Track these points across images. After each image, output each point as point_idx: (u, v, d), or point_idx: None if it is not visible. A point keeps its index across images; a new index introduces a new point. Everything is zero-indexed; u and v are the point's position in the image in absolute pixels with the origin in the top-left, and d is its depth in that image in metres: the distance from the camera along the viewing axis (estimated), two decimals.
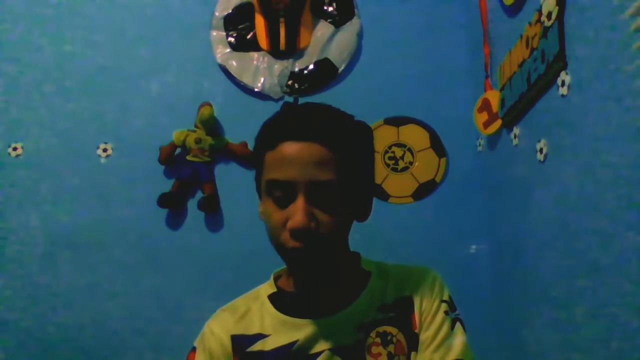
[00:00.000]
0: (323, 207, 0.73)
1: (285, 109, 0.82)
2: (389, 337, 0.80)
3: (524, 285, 1.43)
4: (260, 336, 0.83)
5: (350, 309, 0.82)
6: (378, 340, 0.80)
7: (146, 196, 1.80)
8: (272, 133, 0.76)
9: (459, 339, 0.81)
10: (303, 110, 0.78)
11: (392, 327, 0.81)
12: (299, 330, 0.81)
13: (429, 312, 0.82)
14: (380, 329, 0.81)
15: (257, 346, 0.82)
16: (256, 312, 0.86)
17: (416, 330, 0.81)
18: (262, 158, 0.78)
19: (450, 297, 0.85)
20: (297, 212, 0.71)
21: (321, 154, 0.72)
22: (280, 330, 0.82)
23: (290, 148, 0.72)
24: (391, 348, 0.80)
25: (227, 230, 1.82)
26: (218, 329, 0.86)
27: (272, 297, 0.86)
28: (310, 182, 0.72)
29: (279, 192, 0.74)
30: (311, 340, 0.81)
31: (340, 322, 0.81)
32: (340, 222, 0.76)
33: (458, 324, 0.82)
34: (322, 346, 0.80)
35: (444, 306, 0.83)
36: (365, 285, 0.84)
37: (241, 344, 0.84)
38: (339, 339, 0.80)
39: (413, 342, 0.81)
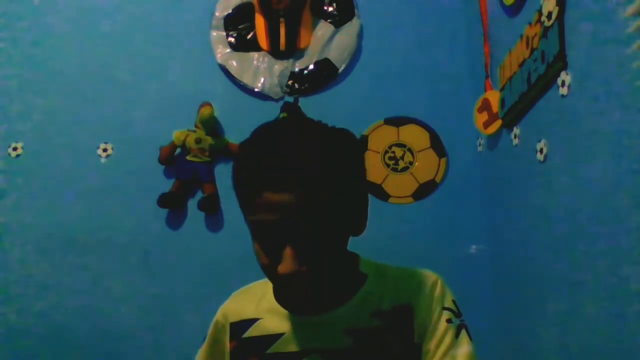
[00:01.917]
0: (312, 245, 0.70)
1: (261, 147, 0.73)
2: (384, 347, 0.78)
3: (524, 286, 1.43)
4: (254, 320, 0.84)
5: (339, 311, 0.80)
6: (372, 349, 0.77)
7: (146, 196, 1.80)
8: (249, 182, 0.72)
9: (463, 349, 0.77)
10: (280, 157, 0.70)
11: (387, 336, 0.78)
12: (286, 322, 0.81)
13: (430, 321, 0.78)
14: (376, 338, 0.78)
15: (250, 331, 0.84)
16: (259, 295, 0.87)
17: (415, 341, 0.78)
18: (243, 200, 0.75)
19: (453, 302, 0.81)
20: (285, 259, 0.69)
21: (303, 199, 0.68)
22: (270, 316, 0.83)
23: (270, 197, 0.69)
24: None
25: (227, 230, 1.82)
26: (221, 317, 0.89)
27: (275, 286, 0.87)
28: (295, 226, 0.69)
29: (265, 234, 0.73)
30: (296, 337, 0.80)
31: (327, 324, 0.79)
32: (332, 250, 0.74)
33: (463, 332, 0.79)
34: (307, 345, 0.79)
35: (446, 314, 0.79)
36: (360, 288, 0.82)
37: (239, 330, 0.85)
38: (326, 341, 0.79)
39: (410, 353, 0.78)
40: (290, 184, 0.68)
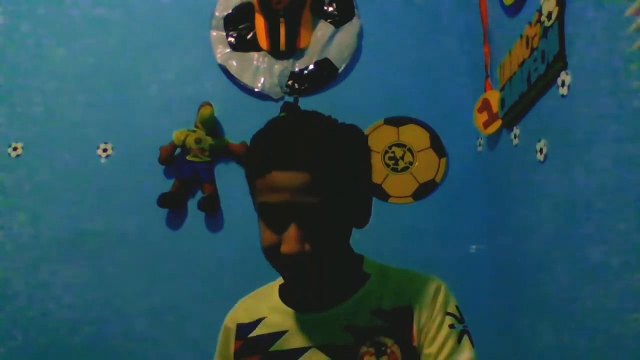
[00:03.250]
0: (317, 228, 0.72)
1: (272, 130, 0.77)
2: (383, 348, 0.78)
3: (523, 285, 1.43)
4: (260, 320, 0.86)
5: (340, 308, 0.81)
6: (372, 349, 0.78)
7: (146, 196, 1.80)
8: (259, 162, 0.74)
9: (465, 355, 0.77)
10: (289, 137, 0.73)
11: (387, 337, 0.79)
12: (289, 320, 0.83)
13: (431, 326, 0.79)
14: (375, 338, 0.79)
15: (256, 331, 0.85)
16: (265, 297, 0.89)
17: (414, 344, 0.79)
18: (252, 182, 0.77)
19: (457, 307, 0.81)
20: (290, 239, 0.71)
21: (310, 180, 0.70)
22: (274, 315, 0.85)
23: (278, 177, 0.71)
24: (384, 359, 0.78)
25: (227, 230, 1.81)
26: (229, 322, 0.91)
27: (281, 286, 0.88)
28: (302, 207, 0.71)
29: (271, 216, 0.74)
30: (298, 334, 0.81)
31: (328, 321, 0.80)
32: (336, 238, 0.76)
33: (465, 338, 0.79)
34: (309, 342, 0.80)
35: (448, 319, 0.79)
36: (361, 286, 0.83)
37: (246, 330, 0.87)
38: (327, 337, 0.80)
39: (409, 356, 0.78)
40: (298, 163, 0.70)
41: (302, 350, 0.80)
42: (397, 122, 1.86)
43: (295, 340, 0.81)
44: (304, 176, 0.70)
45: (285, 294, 0.86)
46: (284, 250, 0.71)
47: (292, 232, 0.71)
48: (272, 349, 0.82)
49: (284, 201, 0.71)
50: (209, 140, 1.81)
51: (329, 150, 0.72)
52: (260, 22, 1.90)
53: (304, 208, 0.71)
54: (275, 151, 0.72)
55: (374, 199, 0.87)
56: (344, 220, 0.77)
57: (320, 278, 0.77)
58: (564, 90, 1.13)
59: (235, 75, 1.89)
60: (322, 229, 0.72)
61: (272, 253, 0.75)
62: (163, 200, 1.78)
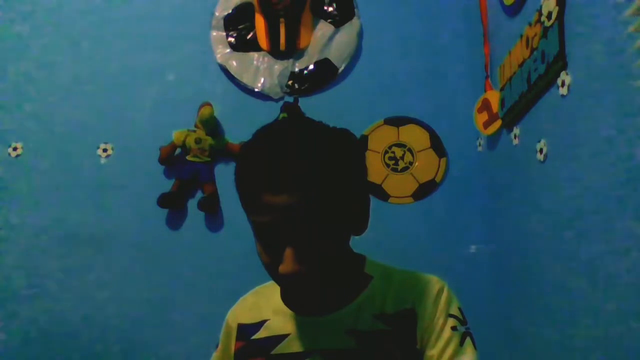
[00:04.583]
0: (313, 245, 0.71)
1: (261, 150, 0.73)
2: (385, 352, 0.78)
3: (524, 285, 1.43)
4: (263, 322, 0.85)
5: (342, 312, 0.80)
6: (374, 351, 0.78)
7: (146, 196, 1.80)
8: (249, 184, 0.73)
9: (467, 357, 0.77)
10: (279, 159, 0.70)
11: (390, 341, 0.78)
12: (291, 322, 0.82)
13: (434, 328, 0.78)
14: (378, 342, 0.78)
15: (259, 333, 0.85)
16: (267, 297, 0.88)
17: (417, 347, 0.78)
18: (244, 201, 0.76)
19: (459, 309, 0.81)
20: (286, 259, 0.70)
21: (303, 199, 0.69)
22: (277, 317, 0.84)
23: (270, 199, 0.69)
24: None
25: (227, 230, 1.82)
26: (230, 320, 0.90)
27: None
28: (296, 226, 0.70)
29: (266, 234, 0.73)
30: (301, 337, 0.81)
31: (330, 324, 0.80)
32: (334, 250, 0.74)
33: (468, 339, 0.79)
34: (311, 345, 0.80)
35: (451, 321, 0.79)
36: (363, 289, 0.82)
37: (248, 331, 0.86)
38: (329, 341, 0.79)
39: (411, 359, 0.78)
40: (290, 185, 0.69)
41: (304, 354, 0.80)
42: (397, 122, 1.86)
43: (297, 344, 0.81)
44: (296, 196, 0.68)
45: (286, 296, 0.86)
46: (282, 271, 0.70)
47: (287, 252, 0.70)
48: (274, 352, 0.81)
49: (277, 221, 0.70)
50: (209, 140, 1.81)
51: (319, 170, 0.70)
52: (260, 22, 1.90)
53: (298, 227, 0.69)
54: (266, 175, 0.70)
55: (374, 200, 0.86)
56: (341, 232, 0.75)
57: (320, 291, 0.76)
58: (564, 90, 1.13)
59: (235, 75, 1.89)
60: (318, 245, 0.71)
61: (270, 270, 0.74)
62: (163, 200, 1.78)
